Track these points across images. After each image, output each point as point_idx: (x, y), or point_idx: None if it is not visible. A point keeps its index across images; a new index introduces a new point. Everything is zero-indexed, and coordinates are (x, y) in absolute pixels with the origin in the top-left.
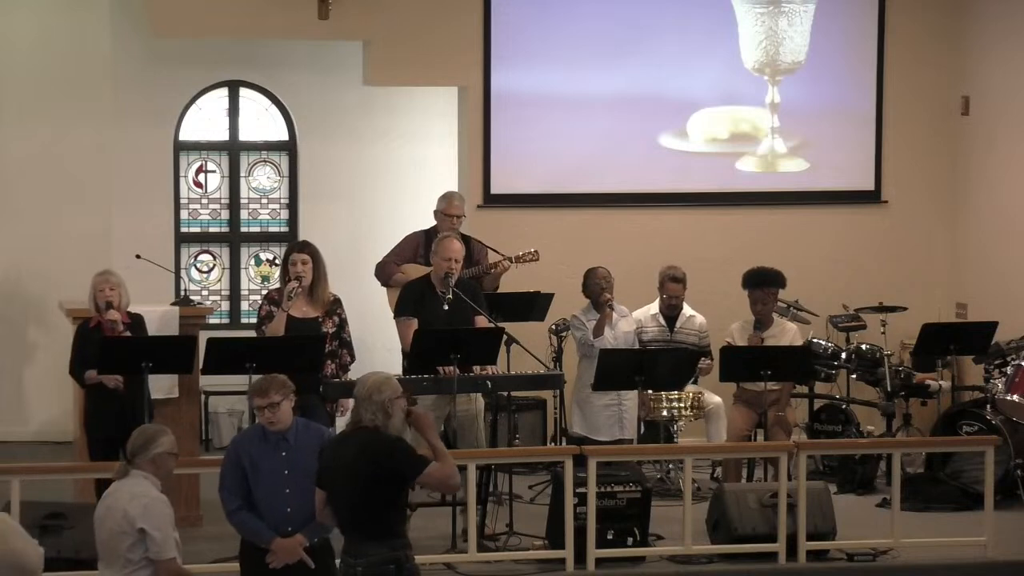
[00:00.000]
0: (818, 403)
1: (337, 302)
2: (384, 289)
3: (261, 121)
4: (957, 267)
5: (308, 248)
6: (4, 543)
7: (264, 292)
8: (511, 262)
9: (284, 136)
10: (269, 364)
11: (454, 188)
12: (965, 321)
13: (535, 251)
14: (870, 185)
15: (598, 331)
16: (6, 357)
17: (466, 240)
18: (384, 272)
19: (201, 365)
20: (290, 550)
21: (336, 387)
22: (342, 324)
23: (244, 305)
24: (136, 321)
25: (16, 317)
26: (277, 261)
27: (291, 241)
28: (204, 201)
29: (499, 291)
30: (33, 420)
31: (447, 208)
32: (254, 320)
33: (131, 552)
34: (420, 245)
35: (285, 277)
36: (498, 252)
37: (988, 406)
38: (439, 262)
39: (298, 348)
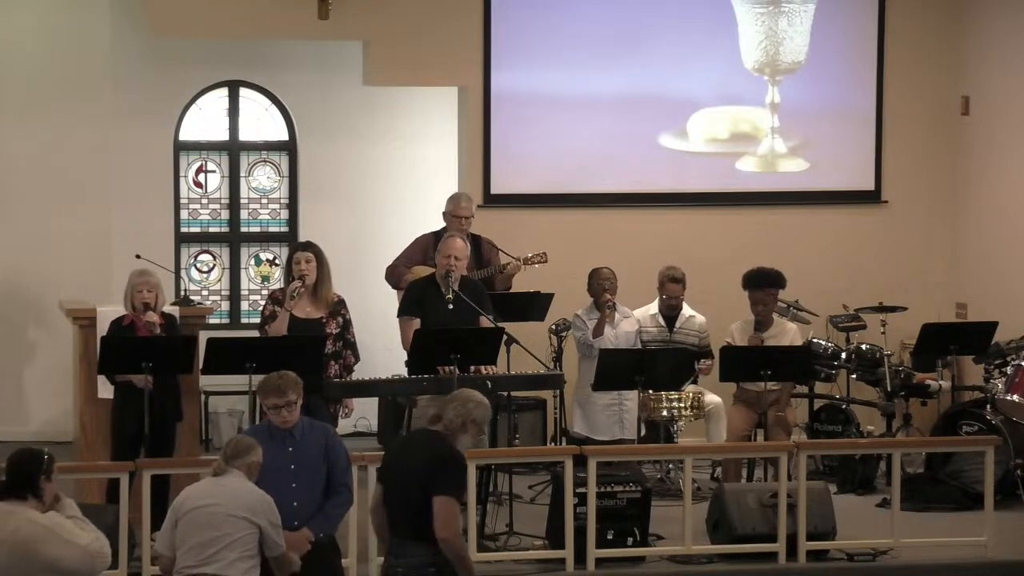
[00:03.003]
0: (818, 403)
1: (341, 303)
2: (393, 291)
3: (261, 121)
4: (957, 267)
5: (312, 248)
6: (45, 549)
7: (264, 292)
8: (520, 263)
9: (284, 136)
10: (269, 364)
11: (454, 188)
12: (965, 321)
13: (544, 253)
14: (870, 185)
15: (598, 331)
16: (6, 357)
17: (476, 240)
18: (394, 275)
19: (201, 365)
20: (296, 544)
21: (338, 387)
22: (346, 325)
23: (244, 305)
24: (170, 322)
25: (16, 317)
26: (277, 261)
27: (291, 241)
28: (204, 201)
29: (498, 291)
30: (33, 420)
31: (455, 209)
32: (254, 320)
33: (243, 545)
34: (430, 247)
35: (289, 277)
36: (508, 254)
37: (988, 406)
38: (439, 260)
39: (298, 349)
